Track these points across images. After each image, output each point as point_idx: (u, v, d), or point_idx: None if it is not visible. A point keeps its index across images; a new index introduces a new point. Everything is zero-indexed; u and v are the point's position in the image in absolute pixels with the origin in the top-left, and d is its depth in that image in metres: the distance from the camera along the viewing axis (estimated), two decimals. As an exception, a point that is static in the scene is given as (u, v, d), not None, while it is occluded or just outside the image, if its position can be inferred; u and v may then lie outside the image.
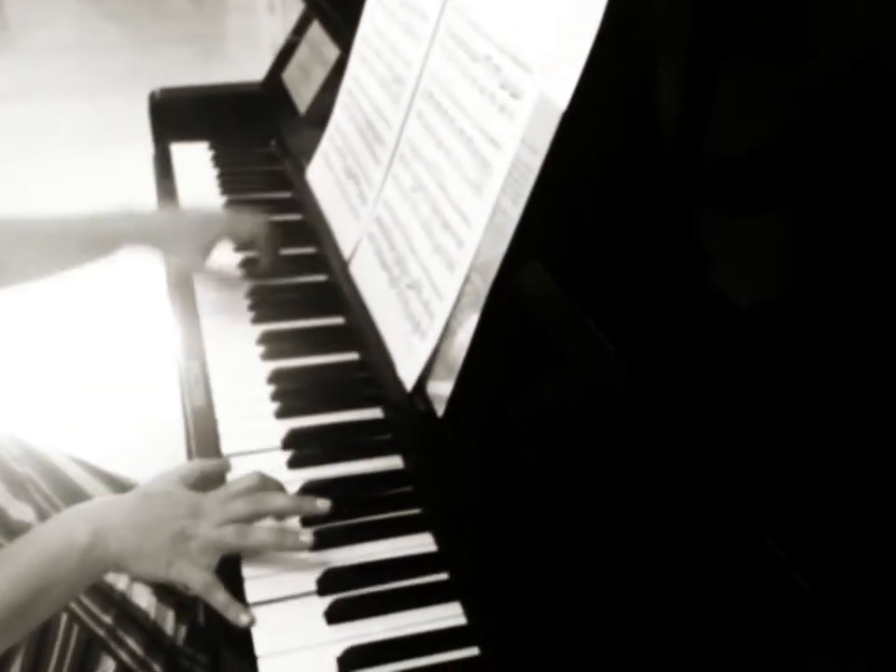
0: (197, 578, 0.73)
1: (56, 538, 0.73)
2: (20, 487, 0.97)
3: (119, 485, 1.06)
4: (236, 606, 0.73)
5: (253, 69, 1.65)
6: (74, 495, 1.01)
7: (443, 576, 0.78)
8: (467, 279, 0.75)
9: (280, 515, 0.79)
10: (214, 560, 0.74)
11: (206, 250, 1.10)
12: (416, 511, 0.83)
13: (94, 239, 1.06)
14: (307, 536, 0.77)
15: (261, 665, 0.70)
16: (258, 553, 0.77)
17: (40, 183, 2.93)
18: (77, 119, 3.44)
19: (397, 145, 0.93)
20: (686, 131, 0.61)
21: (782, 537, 0.46)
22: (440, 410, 0.78)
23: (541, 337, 0.69)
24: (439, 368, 0.78)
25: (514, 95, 0.71)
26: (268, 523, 0.78)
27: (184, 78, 1.60)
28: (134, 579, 0.89)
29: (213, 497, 0.78)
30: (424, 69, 0.89)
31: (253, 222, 1.12)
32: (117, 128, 3.30)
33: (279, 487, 0.81)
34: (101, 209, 1.07)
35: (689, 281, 0.60)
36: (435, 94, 0.86)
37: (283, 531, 0.77)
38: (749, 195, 0.60)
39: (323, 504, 0.79)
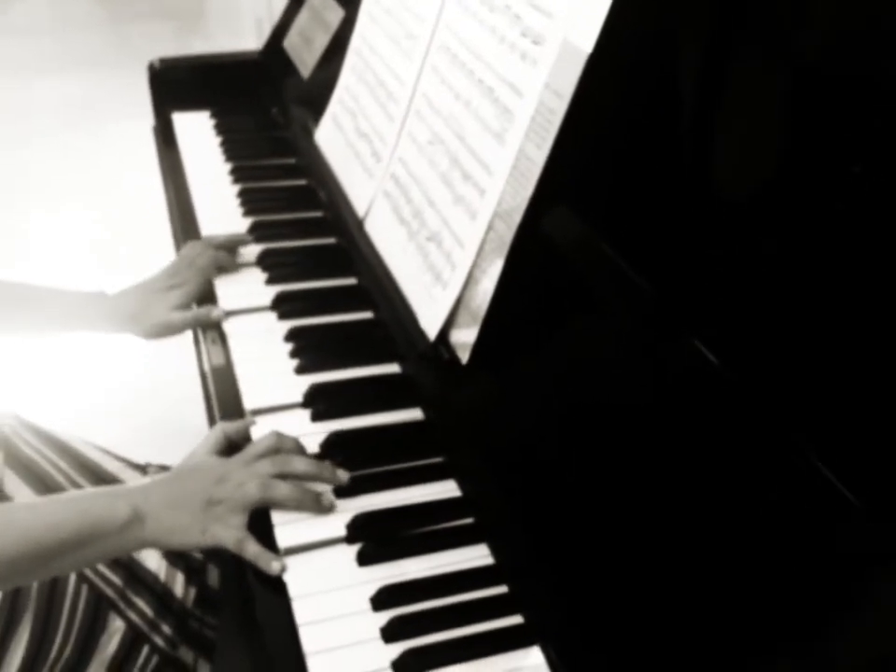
0: (228, 536, 0.75)
1: (100, 507, 0.75)
2: (29, 470, 0.98)
3: (135, 466, 1.07)
4: (267, 555, 0.75)
5: (233, 45, 1.65)
6: (96, 473, 1.02)
7: (469, 520, 0.79)
8: (490, 226, 0.76)
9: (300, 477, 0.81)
10: (244, 517, 0.77)
11: (180, 308, 1.07)
12: (439, 459, 0.85)
13: (58, 316, 1.07)
14: (328, 499, 0.79)
15: (295, 606, 0.72)
16: (283, 508, 0.79)
17: (28, 162, 2.90)
18: (60, 96, 3.41)
19: (411, 100, 0.94)
20: (715, 69, 0.63)
21: (827, 453, 0.48)
22: (464, 357, 0.79)
23: (570, 280, 0.70)
24: (463, 316, 0.80)
25: (536, 42, 0.72)
26: None
27: (164, 55, 1.59)
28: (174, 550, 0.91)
29: (236, 460, 0.80)
30: (438, 23, 0.90)
31: (206, 263, 1.09)
32: (101, 104, 3.28)
33: (297, 445, 0.83)
34: (74, 290, 1.08)
35: (719, 216, 0.62)
36: (451, 47, 0.86)
37: (305, 490, 0.79)
38: (779, 134, 0.61)
39: (343, 475, 0.81)
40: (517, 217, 0.72)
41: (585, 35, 0.65)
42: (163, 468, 1.10)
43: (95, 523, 0.74)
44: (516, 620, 0.71)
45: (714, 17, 0.63)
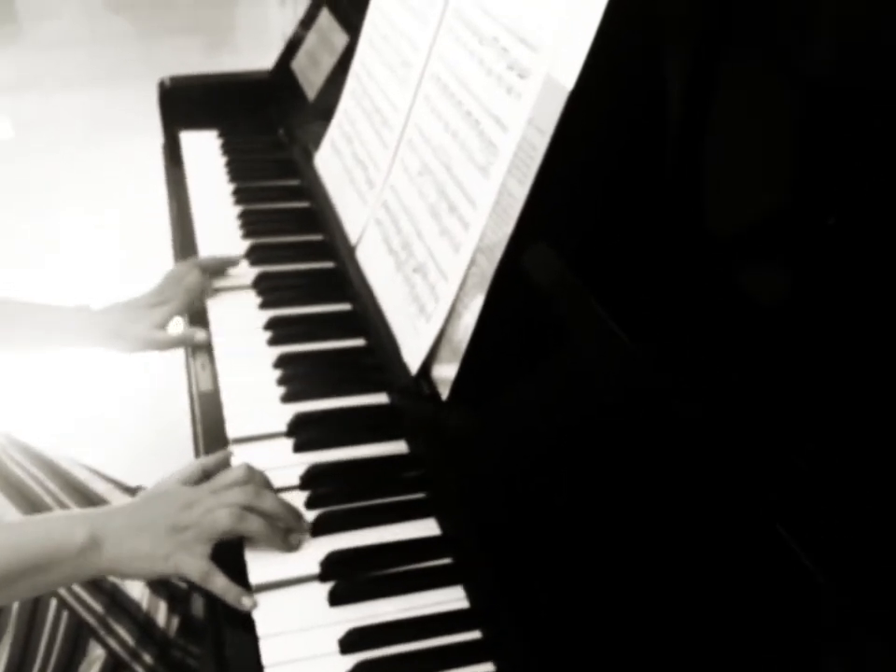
0: (193, 567, 0.73)
1: (56, 531, 0.74)
2: (16, 489, 0.98)
3: (125, 488, 1.06)
4: (236, 590, 0.73)
5: (261, 61, 1.65)
6: (84, 494, 1.01)
7: (446, 560, 0.77)
8: (472, 261, 0.74)
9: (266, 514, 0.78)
10: (209, 547, 0.75)
11: (163, 326, 1.07)
12: (420, 495, 0.83)
13: (42, 332, 1.06)
14: (296, 539, 0.78)
15: (263, 645, 0.70)
16: (251, 541, 0.77)
17: (50, 174, 2.94)
18: (86, 110, 3.45)
19: (404, 129, 0.93)
20: (695, 110, 0.61)
21: (793, 523, 0.46)
22: (444, 393, 0.78)
23: (547, 319, 0.69)
24: (444, 351, 0.78)
25: (521, 76, 0.71)
26: None
27: (192, 70, 1.60)
28: (133, 579, 0.89)
29: (205, 487, 0.78)
30: (431, 52, 0.89)
31: (192, 283, 1.09)
32: (125, 119, 3.31)
33: (266, 481, 0.81)
34: (57, 304, 1.08)
35: (697, 264, 0.60)
36: (442, 77, 0.85)
37: (275, 526, 0.77)
38: (763, 174, 0.59)
39: (306, 524, 0.79)
40: (498, 253, 0.70)
41: (567, 71, 0.64)
42: (123, 486, 1.09)
43: (51, 547, 0.72)
44: (487, 668, 0.69)
45: (699, 54, 0.61)
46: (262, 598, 0.74)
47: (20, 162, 3.04)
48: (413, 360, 0.82)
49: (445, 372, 0.78)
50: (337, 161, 1.12)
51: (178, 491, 0.78)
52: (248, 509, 0.76)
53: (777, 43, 0.56)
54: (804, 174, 0.56)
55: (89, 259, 2.52)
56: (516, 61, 0.72)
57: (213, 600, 0.75)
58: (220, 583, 0.73)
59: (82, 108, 3.46)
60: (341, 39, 1.27)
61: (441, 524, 0.80)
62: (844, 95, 0.52)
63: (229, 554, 0.76)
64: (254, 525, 0.75)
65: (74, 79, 3.73)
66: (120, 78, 3.70)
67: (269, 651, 0.70)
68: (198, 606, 1.00)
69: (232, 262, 1.15)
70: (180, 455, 1.15)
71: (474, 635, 0.72)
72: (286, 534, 0.77)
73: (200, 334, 1.04)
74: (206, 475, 0.82)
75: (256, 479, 0.79)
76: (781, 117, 0.57)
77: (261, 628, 0.71)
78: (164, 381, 1.46)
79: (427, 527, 0.80)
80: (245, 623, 0.72)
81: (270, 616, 0.72)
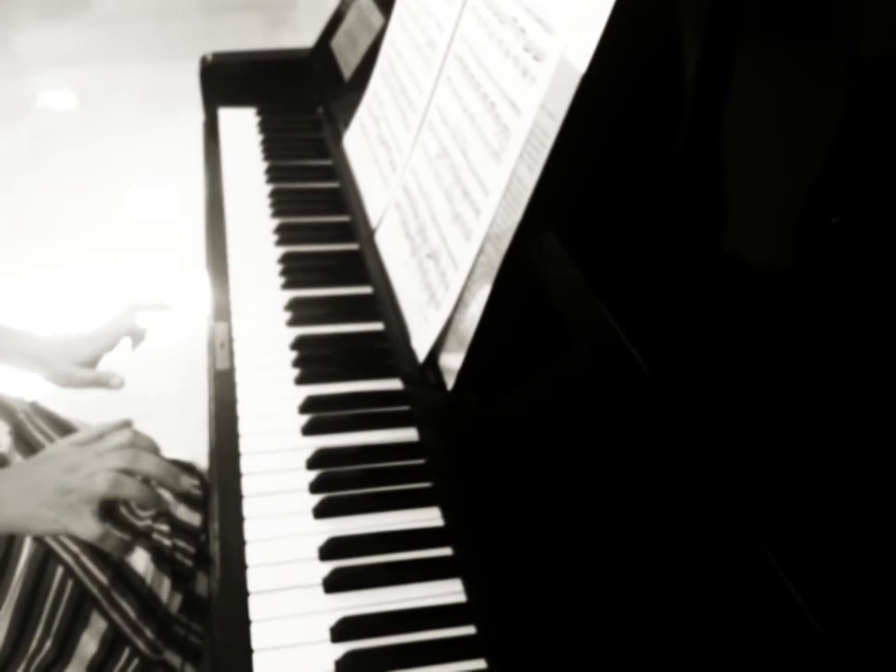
0: (84, 529, 0.77)
1: None
2: (35, 453, 0.99)
3: None
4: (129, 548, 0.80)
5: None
6: None
7: (447, 551, 0.76)
8: (481, 249, 0.72)
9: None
10: (95, 507, 0.78)
11: (88, 363, 1.11)
12: (427, 484, 0.82)
13: None
14: (166, 500, 0.84)
15: (253, 629, 0.70)
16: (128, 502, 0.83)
17: (109, 146, 2.99)
18: (147, 83, 3.49)
19: (426, 110, 0.91)
20: (711, 98, 0.58)
21: (779, 547, 0.43)
22: (449, 383, 0.76)
23: (552, 311, 0.66)
24: (451, 340, 0.76)
25: (537, 58, 0.68)
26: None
27: (250, 46, 1.59)
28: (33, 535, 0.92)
29: (88, 449, 0.81)
30: (455, 32, 0.86)
31: (121, 324, 1.13)
32: (182, 94, 3.34)
33: (152, 445, 0.84)
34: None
35: (704, 260, 0.57)
36: (464, 58, 0.83)
37: (150, 491, 0.81)
38: (776, 168, 0.56)
39: (186, 482, 0.82)
40: (506, 242, 0.68)
41: (581, 54, 0.61)
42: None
43: None
44: (479, 664, 0.68)
45: (715, 39, 0.58)
46: (258, 582, 0.73)
47: (81, 133, 3.09)
48: (421, 348, 0.80)
49: (451, 362, 0.76)
50: (364, 142, 1.10)
51: (65, 453, 0.81)
52: (128, 472, 0.79)
53: (795, 31, 0.52)
54: (825, 170, 0.53)
55: (142, 235, 2.55)
56: (532, 42, 0.69)
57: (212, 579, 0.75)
58: (112, 543, 0.78)
59: (143, 82, 3.50)
60: (377, 19, 1.25)
61: (444, 514, 0.79)
62: (864, 85, 0.49)
63: (232, 535, 0.76)
64: (131, 489, 0.78)
65: (137, 53, 3.78)
66: (182, 53, 3.72)
67: (259, 636, 0.69)
68: (203, 584, 1.00)
69: (161, 307, 1.17)
70: (205, 429, 1.15)
71: (468, 630, 0.70)
72: (159, 499, 0.82)
73: (115, 379, 1.09)
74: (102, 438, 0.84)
75: (140, 443, 0.82)
76: (801, 108, 0.54)
77: (254, 612, 0.71)
78: (194, 355, 1.47)
79: (430, 516, 0.79)
80: (239, 606, 0.72)
81: (263, 600, 0.72)
